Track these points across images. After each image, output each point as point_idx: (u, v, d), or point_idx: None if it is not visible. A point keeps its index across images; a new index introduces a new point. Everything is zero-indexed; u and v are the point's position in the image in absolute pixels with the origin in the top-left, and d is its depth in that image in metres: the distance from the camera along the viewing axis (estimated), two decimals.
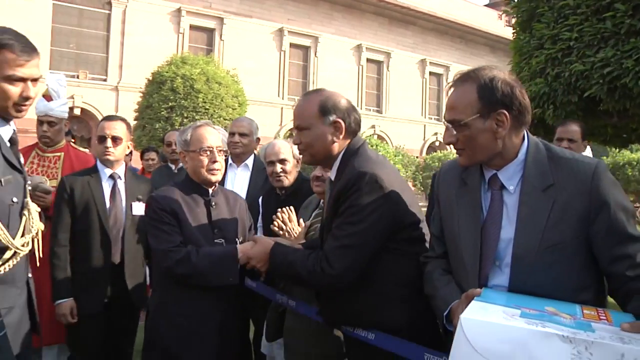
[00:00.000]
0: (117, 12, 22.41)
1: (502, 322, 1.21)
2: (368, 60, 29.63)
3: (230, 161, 3.65)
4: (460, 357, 1.22)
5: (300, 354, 2.53)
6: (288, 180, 3.13)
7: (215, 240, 2.39)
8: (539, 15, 5.58)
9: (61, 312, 2.80)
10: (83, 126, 21.64)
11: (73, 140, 4.65)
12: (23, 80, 1.74)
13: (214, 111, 15.22)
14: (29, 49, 1.74)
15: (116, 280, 2.90)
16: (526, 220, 1.50)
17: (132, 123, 15.65)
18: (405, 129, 30.20)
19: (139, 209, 3.00)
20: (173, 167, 4.86)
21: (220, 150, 2.43)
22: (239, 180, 3.59)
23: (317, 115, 1.95)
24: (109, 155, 2.97)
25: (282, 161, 3.10)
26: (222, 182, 3.48)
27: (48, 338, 3.01)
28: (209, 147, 2.39)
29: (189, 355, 2.26)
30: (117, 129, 3.00)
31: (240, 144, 3.59)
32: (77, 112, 21.26)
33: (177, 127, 14.06)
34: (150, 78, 15.97)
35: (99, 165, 3.04)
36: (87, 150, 4.16)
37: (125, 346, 3.11)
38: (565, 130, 3.63)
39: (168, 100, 15.06)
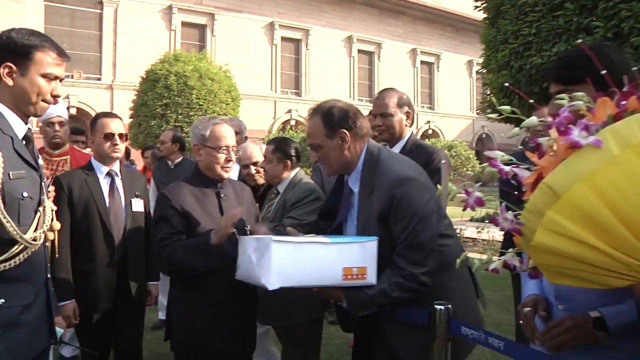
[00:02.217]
0: (109, 12, 22.63)
1: (255, 237, 2.06)
2: (359, 51, 29.86)
3: None
4: (239, 260, 2.09)
5: (282, 313, 2.77)
6: (262, 179, 3.42)
7: None
8: (504, 12, 5.99)
9: (65, 314, 2.74)
10: (79, 126, 21.69)
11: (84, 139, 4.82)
12: (56, 78, 1.84)
13: (208, 107, 15.43)
14: (64, 53, 1.88)
15: (120, 276, 2.89)
16: (358, 218, 1.99)
17: (128, 121, 15.98)
18: None
19: (138, 205, 3.00)
20: (169, 162, 5.20)
21: (234, 149, 2.55)
22: (230, 175, 3.98)
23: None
24: (117, 152, 2.96)
25: (255, 163, 3.42)
26: None
27: None
28: (226, 146, 2.48)
29: (219, 337, 2.37)
30: (120, 125, 3.01)
31: None
32: (72, 111, 21.39)
33: (172, 123, 14.38)
34: (144, 76, 16.21)
35: (95, 162, 2.99)
36: (87, 151, 4.30)
37: (136, 340, 3.07)
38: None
39: (162, 98, 15.33)
